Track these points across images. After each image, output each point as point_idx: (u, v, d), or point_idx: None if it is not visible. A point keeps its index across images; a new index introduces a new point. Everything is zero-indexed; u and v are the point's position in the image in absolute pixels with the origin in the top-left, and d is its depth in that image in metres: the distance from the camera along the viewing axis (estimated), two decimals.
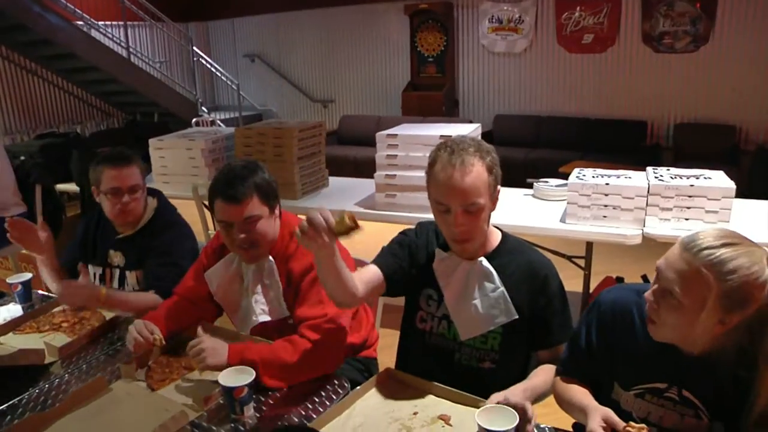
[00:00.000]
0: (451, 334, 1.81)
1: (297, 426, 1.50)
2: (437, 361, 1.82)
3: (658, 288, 1.35)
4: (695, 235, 1.31)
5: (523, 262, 1.78)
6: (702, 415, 1.42)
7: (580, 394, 1.55)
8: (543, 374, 1.69)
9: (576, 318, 1.73)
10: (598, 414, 1.38)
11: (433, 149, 1.72)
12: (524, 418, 1.42)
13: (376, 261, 1.84)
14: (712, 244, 1.27)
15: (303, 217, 1.51)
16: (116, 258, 2.44)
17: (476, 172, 1.63)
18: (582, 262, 3.65)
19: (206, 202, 4.08)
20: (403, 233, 1.92)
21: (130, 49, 9.23)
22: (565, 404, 1.60)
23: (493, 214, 1.77)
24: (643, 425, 1.30)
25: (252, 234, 1.91)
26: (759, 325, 1.28)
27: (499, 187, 1.72)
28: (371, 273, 1.78)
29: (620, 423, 1.34)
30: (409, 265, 1.85)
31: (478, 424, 1.38)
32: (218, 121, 8.88)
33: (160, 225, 2.42)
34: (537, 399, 1.62)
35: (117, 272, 2.42)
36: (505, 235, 1.85)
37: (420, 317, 1.87)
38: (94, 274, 2.46)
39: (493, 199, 1.71)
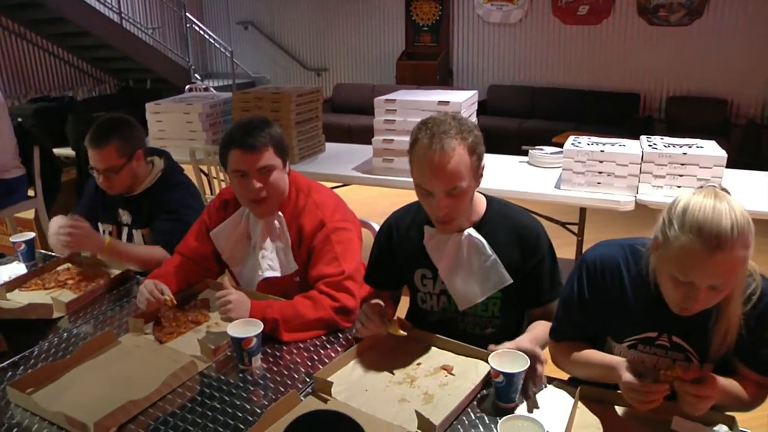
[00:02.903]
0: (452, 307, 1.84)
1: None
2: (442, 333, 1.80)
3: (698, 288, 1.30)
4: (709, 231, 1.24)
5: (511, 226, 1.78)
6: (692, 357, 1.48)
7: (593, 354, 1.58)
8: (541, 326, 1.73)
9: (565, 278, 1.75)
10: (625, 367, 1.41)
11: (415, 127, 1.68)
12: (538, 361, 1.53)
13: (372, 286, 1.99)
14: (730, 225, 1.24)
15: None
16: (124, 216, 2.47)
17: (457, 155, 1.59)
18: (575, 229, 3.71)
19: (203, 167, 4.12)
20: (376, 240, 1.97)
21: (123, 15, 9.11)
22: (571, 365, 1.62)
23: (487, 180, 1.78)
24: (670, 363, 1.36)
25: (266, 185, 1.94)
26: None
27: (483, 162, 1.70)
28: (379, 298, 1.90)
29: (649, 371, 1.38)
30: (396, 265, 1.91)
31: (492, 367, 1.45)
32: (212, 88, 8.80)
33: (166, 185, 2.44)
34: (541, 347, 1.66)
35: (125, 230, 2.45)
36: (489, 200, 1.83)
37: (420, 298, 1.89)
38: (103, 231, 2.49)
39: (477, 177, 1.69)
